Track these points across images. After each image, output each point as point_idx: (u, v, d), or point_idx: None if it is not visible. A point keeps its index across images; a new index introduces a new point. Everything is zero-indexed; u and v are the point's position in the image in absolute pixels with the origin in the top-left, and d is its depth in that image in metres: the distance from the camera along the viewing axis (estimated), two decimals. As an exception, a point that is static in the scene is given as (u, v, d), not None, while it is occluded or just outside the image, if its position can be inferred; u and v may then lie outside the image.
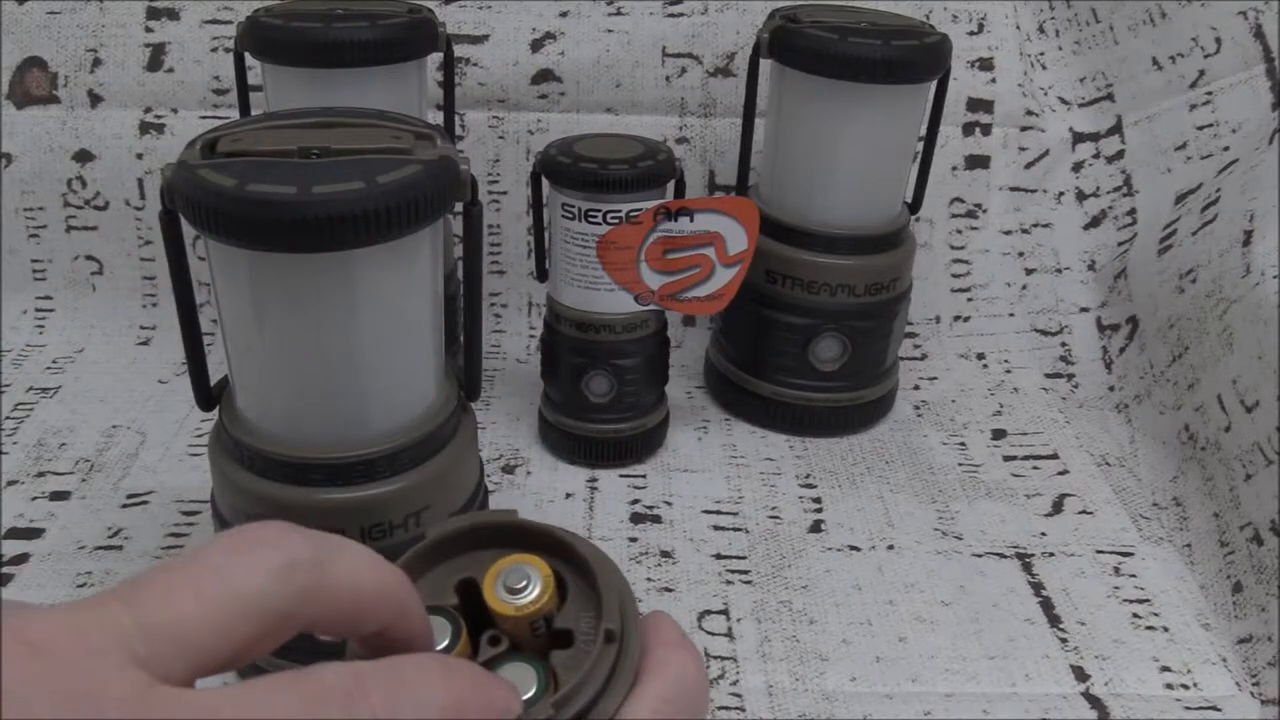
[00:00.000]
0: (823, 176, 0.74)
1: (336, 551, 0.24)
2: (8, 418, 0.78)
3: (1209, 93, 0.85)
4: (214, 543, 0.23)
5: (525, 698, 0.26)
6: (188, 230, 0.46)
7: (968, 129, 0.90)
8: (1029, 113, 0.90)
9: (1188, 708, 0.57)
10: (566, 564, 0.28)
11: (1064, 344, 0.89)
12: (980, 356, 0.89)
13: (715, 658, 0.59)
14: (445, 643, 0.27)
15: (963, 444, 0.79)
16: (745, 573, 0.65)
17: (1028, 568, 0.66)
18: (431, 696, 0.23)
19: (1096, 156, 0.90)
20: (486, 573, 0.27)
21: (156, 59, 0.86)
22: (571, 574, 0.28)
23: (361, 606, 0.24)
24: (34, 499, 0.69)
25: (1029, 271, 0.91)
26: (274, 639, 0.23)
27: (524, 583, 0.27)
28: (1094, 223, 0.90)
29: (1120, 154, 0.89)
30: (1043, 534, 0.69)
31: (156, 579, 0.22)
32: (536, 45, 0.87)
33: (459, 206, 0.48)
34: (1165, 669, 0.59)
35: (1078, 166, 0.91)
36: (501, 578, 0.27)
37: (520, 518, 0.29)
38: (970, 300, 0.91)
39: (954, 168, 0.90)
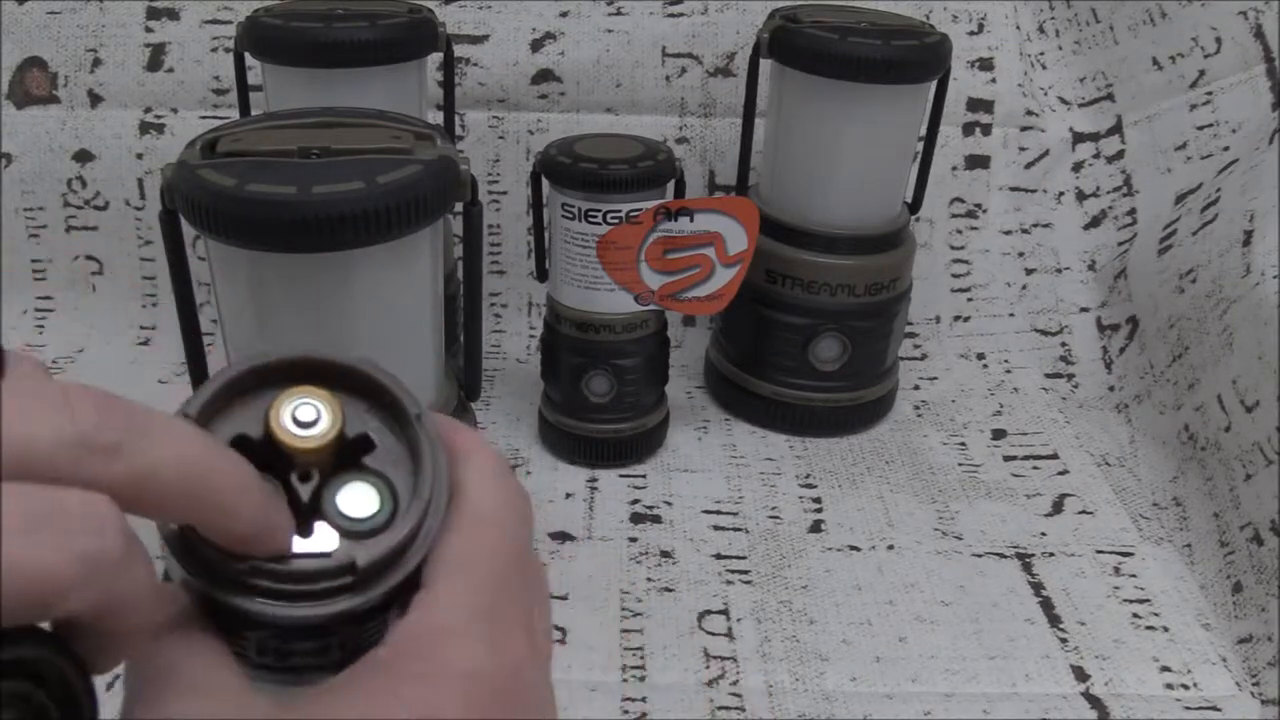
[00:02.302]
0: (823, 176, 0.74)
1: (143, 438, 0.22)
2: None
3: (1209, 93, 0.85)
4: (22, 374, 0.21)
5: (375, 512, 0.26)
6: (188, 230, 0.46)
7: (968, 129, 0.90)
8: (1029, 113, 0.90)
9: (1188, 708, 0.57)
10: (321, 379, 0.27)
11: (1064, 344, 0.89)
12: (980, 356, 0.89)
13: (715, 658, 0.59)
14: None
15: (963, 444, 0.79)
16: (745, 573, 0.65)
17: (1028, 568, 0.66)
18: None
19: (1096, 156, 0.90)
20: (269, 417, 0.26)
21: (156, 59, 0.86)
22: (325, 382, 0.27)
23: (150, 501, 0.22)
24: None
25: (1029, 271, 0.91)
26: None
27: (313, 415, 0.26)
28: (1094, 223, 0.90)
29: (1120, 154, 0.89)
30: (1043, 534, 0.69)
31: None
32: (536, 45, 0.87)
33: (459, 206, 0.48)
34: (1165, 669, 0.59)
35: (1078, 166, 0.91)
36: (286, 417, 0.26)
37: (245, 364, 0.27)
38: (970, 300, 0.91)
39: (954, 168, 0.90)
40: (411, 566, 0.26)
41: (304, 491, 0.26)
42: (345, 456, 0.27)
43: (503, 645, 0.25)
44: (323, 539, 0.25)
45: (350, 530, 0.26)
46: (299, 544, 0.25)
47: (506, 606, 0.26)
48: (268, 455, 0.26)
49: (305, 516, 0.26)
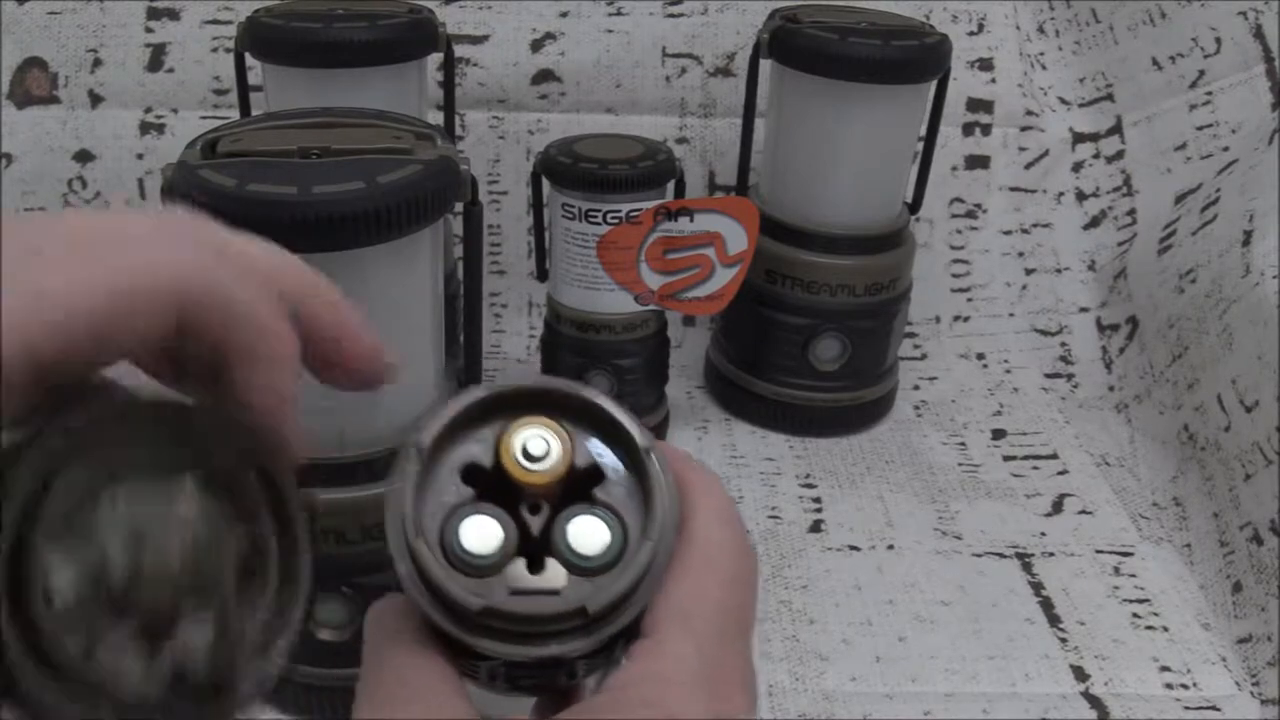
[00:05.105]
0: (823, 176, 0.74)
1: (233, 235, 0.25)
2: (8, 418, 0.78)
3: (1209, 93, 0.85)
4: (136, 214, 0.24)
5: (605, 548, 0.26)
6: (188, 230, 0.46)
7: (968, 129, 0.90)
8: (1029, 113, 0.90)
9: (1187, 707, 0.57)
10: (549, 408, 0.27)
11: (1064, 344, 0.89)
12: (980, 356, 0.89)
13: (715, 657, 0.59)
14: (503, 537, 0.26)
15: (963, 444, 0.79)
16: (745, 573, 0.65)
17: (1027, 568, 0.66)
18: None
19: (1096, 156, 0.90)
20: (500, 450, 0.26)
21: (157, 59, 0.86)
22: (553, 412, 0.27)
23: (268, 277, 0.25)
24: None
25: (1029, 271, 0.91)
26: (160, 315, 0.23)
27: (543, 448, 0.26)
28: (1094, 223, 0.90)
29: (1120, 154, 0.89)
30: (1042, 534, 0.69)
31: (65, 219, 0.23)
32: (536, 45, 0.87)
33: (459, 206, 0.48)
34: (1165, 669, 0.59)
35: (1078, 166, 0.91)
36: (517, 450, 0.26)
37: (476, 394, 0.27)
38: (970, 300, 0.91)
39: (954, 168, 0.90)
40: (640, 607, 0.26)
41: (534, 524, 0.26)
42: (575, 488, 0.27)
43: (724, 703, 0.25)
44: (552, 575, 0.26)
45: (579, 566, 0.26)
46: (529, 580, 0.25)
47: (730, 661, 0.26)
48: (498, 485, 0.26)
49: (536, 553, 0.26)
